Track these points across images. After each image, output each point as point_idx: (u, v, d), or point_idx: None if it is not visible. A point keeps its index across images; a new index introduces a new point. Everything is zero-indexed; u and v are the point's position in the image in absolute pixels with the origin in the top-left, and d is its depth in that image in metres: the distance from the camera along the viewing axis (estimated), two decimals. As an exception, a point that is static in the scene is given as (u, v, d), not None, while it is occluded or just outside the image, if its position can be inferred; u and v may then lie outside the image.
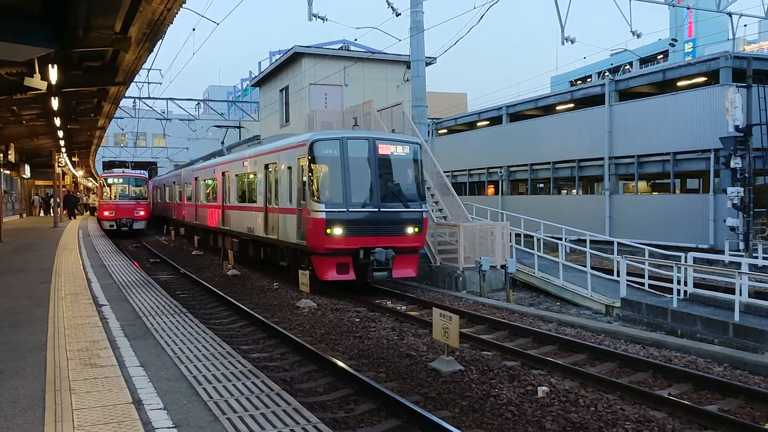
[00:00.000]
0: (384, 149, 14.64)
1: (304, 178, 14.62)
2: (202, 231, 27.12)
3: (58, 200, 36.87)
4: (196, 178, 28.47)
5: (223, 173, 22.98)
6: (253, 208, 19.13)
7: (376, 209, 14.25)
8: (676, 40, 34.85)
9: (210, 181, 25.82)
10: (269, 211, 17.52)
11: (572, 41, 18.66)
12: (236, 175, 21.31)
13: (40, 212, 49.90)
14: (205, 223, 25.91)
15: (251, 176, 19.63)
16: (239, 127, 37.48)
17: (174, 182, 34.99)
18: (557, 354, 9.62)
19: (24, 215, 44.44)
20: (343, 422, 6.79)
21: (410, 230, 14.56)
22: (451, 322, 8.31)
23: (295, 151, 15.49)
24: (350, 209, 14.13)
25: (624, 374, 8.60)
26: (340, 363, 8.57)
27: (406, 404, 6.83)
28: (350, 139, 14.58)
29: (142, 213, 35.08)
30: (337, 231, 13.90)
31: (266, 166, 17.87)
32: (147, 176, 39.81)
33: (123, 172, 38.79)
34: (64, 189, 46.55)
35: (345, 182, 14.16)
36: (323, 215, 13.94)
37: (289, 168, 15.92)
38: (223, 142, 31.08)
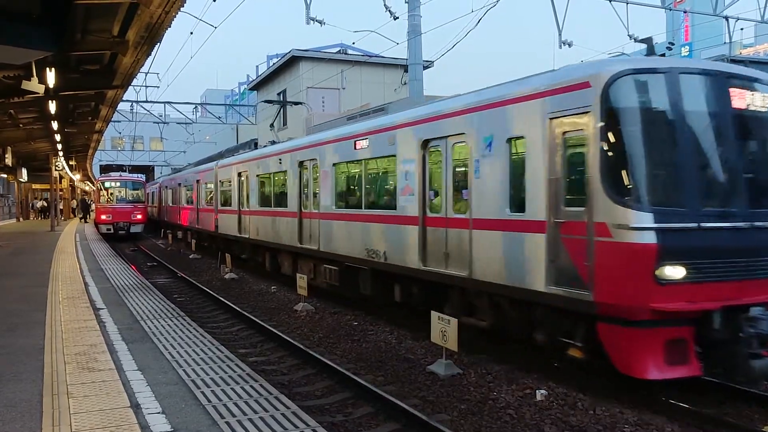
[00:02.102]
0: (744, 98, 7.45)
1: (590, 156, 7.08)
2: (254, 248, 19.38)
3: (57, 204, 36.77)
4: (239, 174, 20.16)
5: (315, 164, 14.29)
6: (396, 218, 10.94)
7: (746, 222, 7.06)
8: (673, 44, 34.99)
9: (277, 177, 16.96)
10: (434, 223, 9.99)
11: (570, 45, 18.68)
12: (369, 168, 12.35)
13: (39, 216, 49.84)
14: (269, 238, 17.22)
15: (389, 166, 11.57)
16: (287, 103, 30.21)
17: (198, 181, 26.52)
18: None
19: (21, 219, 44.35)
20: (341, 426, 6.78)
21: None
22: (450, 325, 8.30)
23: (547, 101, 7.69)
24: (702, 223, 6.85)
25: None
26: (338, 366, 8.56)
27: (405, 408, 6.82)
28: (687, 72, 7.37)
29: (139, 216, 35.00)
30: (678, 272, 6.71)
31: (425, 144, 10.16)
32: (144, 180, 39.71)
33: (120, 175, 38.71)
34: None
35: (686, 164, 7.11)
36: (650, 237, 6.64)
37: (515, 142, 8.30)
38: (272, 125, 24.04)
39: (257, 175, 18.28)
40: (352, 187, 13.16)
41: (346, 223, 12.72)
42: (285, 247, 16.01)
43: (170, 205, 35.04)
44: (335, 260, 13.24)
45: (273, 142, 18.98)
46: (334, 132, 13.53)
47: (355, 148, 12.32)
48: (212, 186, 23.66)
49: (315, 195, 14.34)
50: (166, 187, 36.61)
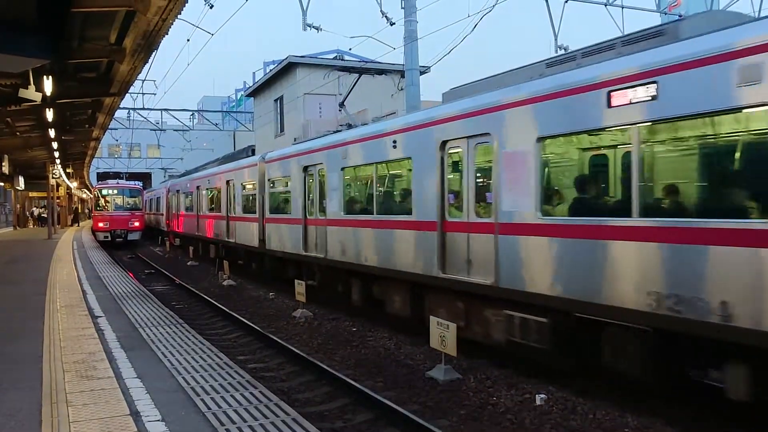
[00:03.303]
0: None
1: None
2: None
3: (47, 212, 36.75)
4: (305, 168, 14.66)
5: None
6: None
7: None
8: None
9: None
10: None
11: (565, 49, 18.72)
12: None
13: (38, 224, 49.79)
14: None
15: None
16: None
17: (228, 182, 21.30)
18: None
19: (18, 227, 44.28)
20: (341, 432, 6.77)
21: None
22: (449, 330, 8.30)
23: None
24: None
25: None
26: (337, 372, 8.55)
27: (405, 413, 6.81)
28: None
29: (136, 224, 34.98)
30: None
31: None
32: (141, 187, 39.68)
33: (117, 183, 38.70)
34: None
35: None
36: None
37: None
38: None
39: (343, 169, 12.76)
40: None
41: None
42: (404, 275, 10.50)
43: (183, 212, 29.53)
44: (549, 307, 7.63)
45: (350, 126, 14.22)
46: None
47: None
48: (253, 187, 18.42)
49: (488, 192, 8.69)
50: (177, 191, 31.05)
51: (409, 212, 10.36)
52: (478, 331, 9.11)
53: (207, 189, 24.46)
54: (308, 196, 14.52)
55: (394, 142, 10.81)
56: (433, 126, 9.80)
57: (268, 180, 17.14)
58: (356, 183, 13.11)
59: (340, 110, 16.60)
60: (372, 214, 11.76)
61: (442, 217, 9.56)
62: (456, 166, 9.45)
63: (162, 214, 36.92)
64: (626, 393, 7.49)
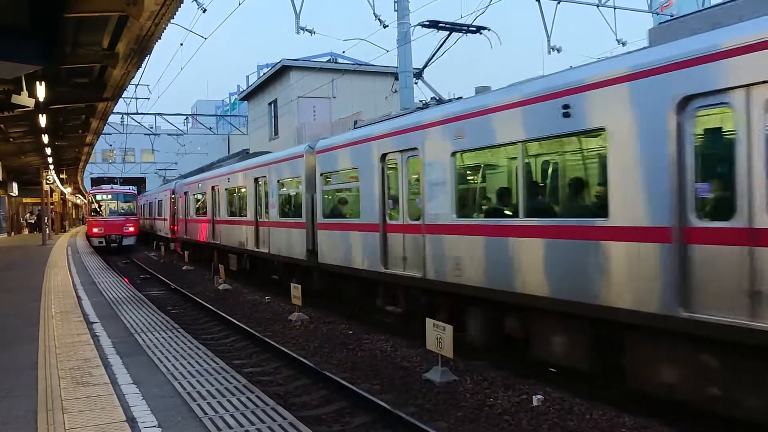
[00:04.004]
0: None
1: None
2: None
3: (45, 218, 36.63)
4: (383, 156, 11.37)
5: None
6: None
7: None
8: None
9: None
10: None
11: (558, 50, 18.79)
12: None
13: (35, 230, 49.67)
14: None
15: None
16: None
17: (257, 180, 17.64)
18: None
19: (12, 233, 44.11)
20: (338, 436, 6.76)
21: None
22: (445, 332, 8.30)
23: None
24: None
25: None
26: (334, 376, 8.54)
27: (402, 416, 6.81)
28: None
29: (131, 229, 34.89)
30: None
31: None
32: (136, 192, 39.58)
33: (111, 188, 38.62)
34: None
35: None
36: None
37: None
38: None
39: (454, 155, 9.29)
40: None
41: None
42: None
43: (194, 217, 25.56)
44: None
45: (461, 98, 10.26)
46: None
47: None
48: (297, 185, 14.91)
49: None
50: (186, 193, 27.05)
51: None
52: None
53: (227, 189, 20.62)
54: (399, 192, 10.78)
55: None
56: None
57: (322, 175, 13.53)
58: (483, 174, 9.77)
59: (415, 82, 13.60)
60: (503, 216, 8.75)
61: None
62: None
63: (164, 220, 33.46)
64: (623, 393, 7.50)
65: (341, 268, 12.68)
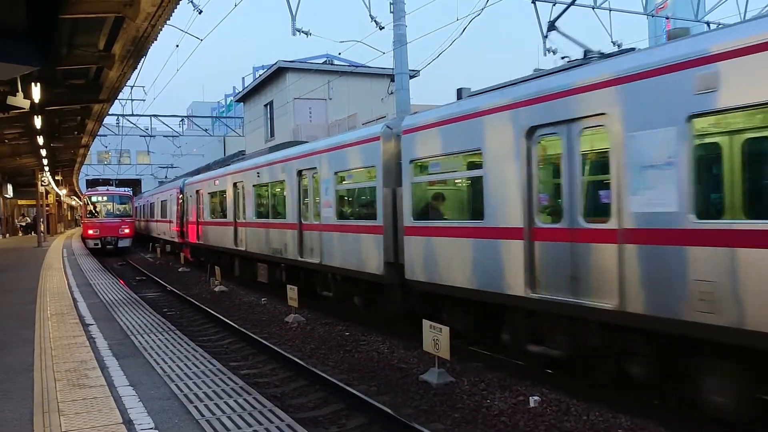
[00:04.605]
0: None
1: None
2: None
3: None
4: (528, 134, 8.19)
5: None
6: None
7: None
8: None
9: None
10: None
11: (554, 52, 18.81)
12: None
13: (30, 231, 49.54)
14: None
15: None
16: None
17: (300, 172, 14.44)
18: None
19: (7, 235, 43.98)
20: (335, 437, 6.75)
21: None
22: (442, 333, 8.31)
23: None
24: None
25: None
26: (330, 377, 8.53)
27: (399, 418, 6.81)
28: None
29: (127, 231, 34.84)
30: None
31: None
32: (131, 193, 39.51)
33: (107, 189, 38.54)
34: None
35: None
36: None
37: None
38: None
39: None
40: None
41: None
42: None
43: (209, 219, 22.26)
44: None
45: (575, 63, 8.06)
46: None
47: None
48: (369, 177, 11.62)
49: None
50: (197, 191, 23.89)
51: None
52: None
53: (255, 186, 17.65)
54: (542, 184, 8.04)
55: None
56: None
57: (412, 162, 10.28)
58: None
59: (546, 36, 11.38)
60: None
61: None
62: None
63: (169, 222, 30.14)
64: (620, 394, 7.52)
65: (445, 288, 9.48)
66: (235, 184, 19.13)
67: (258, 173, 17.27)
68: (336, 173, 12.68)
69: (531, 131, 7.91)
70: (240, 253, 18.82)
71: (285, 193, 15.37)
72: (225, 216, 20.16)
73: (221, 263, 20.46)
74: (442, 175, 10.46)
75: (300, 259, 14.31)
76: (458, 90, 11.04)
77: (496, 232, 8.50)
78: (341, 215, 12.66)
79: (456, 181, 10.36)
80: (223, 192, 20.51)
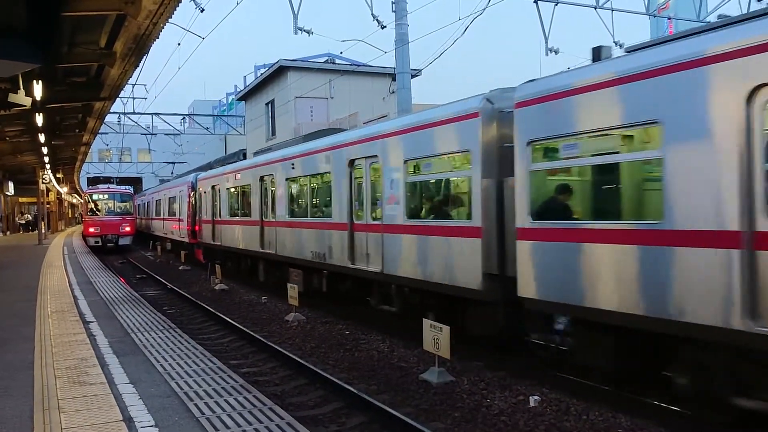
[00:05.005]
0: None
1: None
2: None
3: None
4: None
5: None
6: None
7: None
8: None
9: None
10: None
11: (556, 52, 18.83)
12: None
13: (30, 229, 49.60)
14: None
15: None
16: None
17: (354, 163, 12.12)
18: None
19: (8, 233, 44.02)
20: (335, 436, 6.75)
21: None
22: (442, 333, 8.31)
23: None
24: None
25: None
26: (330, 376, 8.54)
27: (399, 416, 6.81)
28: None
29: (127, 229, 34.85)
30: None
31: None
32: (132, 191, 39.52)
33: (108, 187, 38.56)
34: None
35: None
36: None
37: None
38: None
39: None
40: None
41: None
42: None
43: (227, 218, 20.08)
44: None
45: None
46: None
47: None
48: (465, 165, 9.19)
49: None
50: (213, 187, 21.73)
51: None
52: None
53: (288, 180, 15.36)
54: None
55: None
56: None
57: (531, 144, 7.74)
58: None
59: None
60: None
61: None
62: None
63: (179, 221, 28.06)
64: (619, 394, 7.52)
65: (589, 312, 7.03)
66: (261, 178, 16.90)
67: (293, 164, 14.95)
68: (407, 161, 10.30)
69: (751, 95, 5.36)
70: (267, 256, 16.71)
71: (331, 186, 12.98)
72: (248, 214, 17.95)
73: (241, 266, 19.24)
74: (585, 160, 7.50)
75: (351, 266, 12.00)
76: (595, 49, 8.06)
77: (686, 238, 5.93)
78: (413, 214, 10.36)
79: (610, 166, 7.34)
80: (246, 187, 18.28)
